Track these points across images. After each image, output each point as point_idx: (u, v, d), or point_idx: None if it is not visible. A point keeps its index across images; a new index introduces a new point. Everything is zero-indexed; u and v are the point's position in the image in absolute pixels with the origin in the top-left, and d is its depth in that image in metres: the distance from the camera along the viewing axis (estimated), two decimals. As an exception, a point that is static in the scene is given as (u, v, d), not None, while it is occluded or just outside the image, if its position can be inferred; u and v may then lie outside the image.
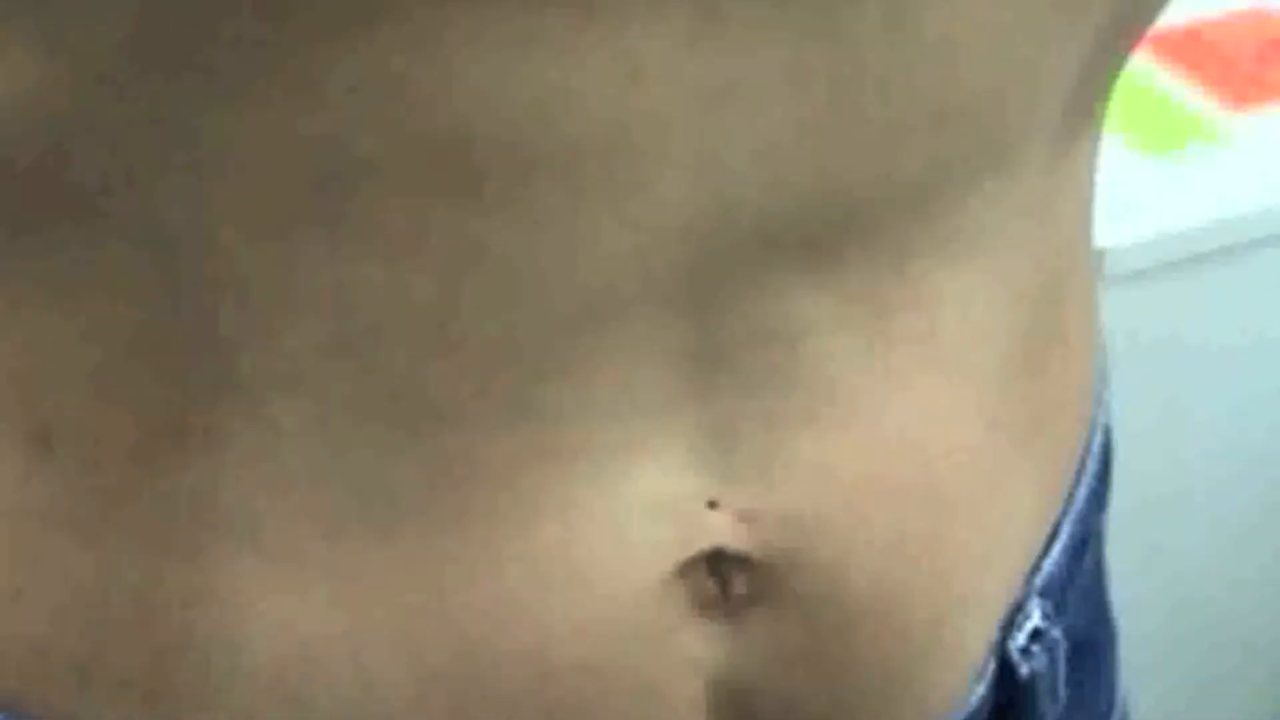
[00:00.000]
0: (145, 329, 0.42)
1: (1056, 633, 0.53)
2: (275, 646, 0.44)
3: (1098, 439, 0.56)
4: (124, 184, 0.40)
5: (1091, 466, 0.55)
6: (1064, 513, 0.53)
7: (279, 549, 0.44)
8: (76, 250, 0.41)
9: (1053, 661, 0.53)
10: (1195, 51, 1.43)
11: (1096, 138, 0.51)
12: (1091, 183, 0.52)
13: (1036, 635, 0.52)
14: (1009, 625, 0.52)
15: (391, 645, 0.44)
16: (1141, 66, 1.41)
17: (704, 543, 0.44)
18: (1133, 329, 1.32)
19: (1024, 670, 0.52)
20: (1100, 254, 1.27)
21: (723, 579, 0.45)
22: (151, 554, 0.44)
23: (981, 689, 0.51)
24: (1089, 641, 0.57)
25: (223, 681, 0.45)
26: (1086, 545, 0.55)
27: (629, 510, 0.44)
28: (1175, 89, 1.40)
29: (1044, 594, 0.53)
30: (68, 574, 0.45)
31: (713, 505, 0.44)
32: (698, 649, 0.45)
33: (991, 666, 0.52)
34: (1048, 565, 0.53)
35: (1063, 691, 0.54)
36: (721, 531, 0.44)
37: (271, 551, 0.44)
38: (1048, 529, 0.53)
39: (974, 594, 0.49)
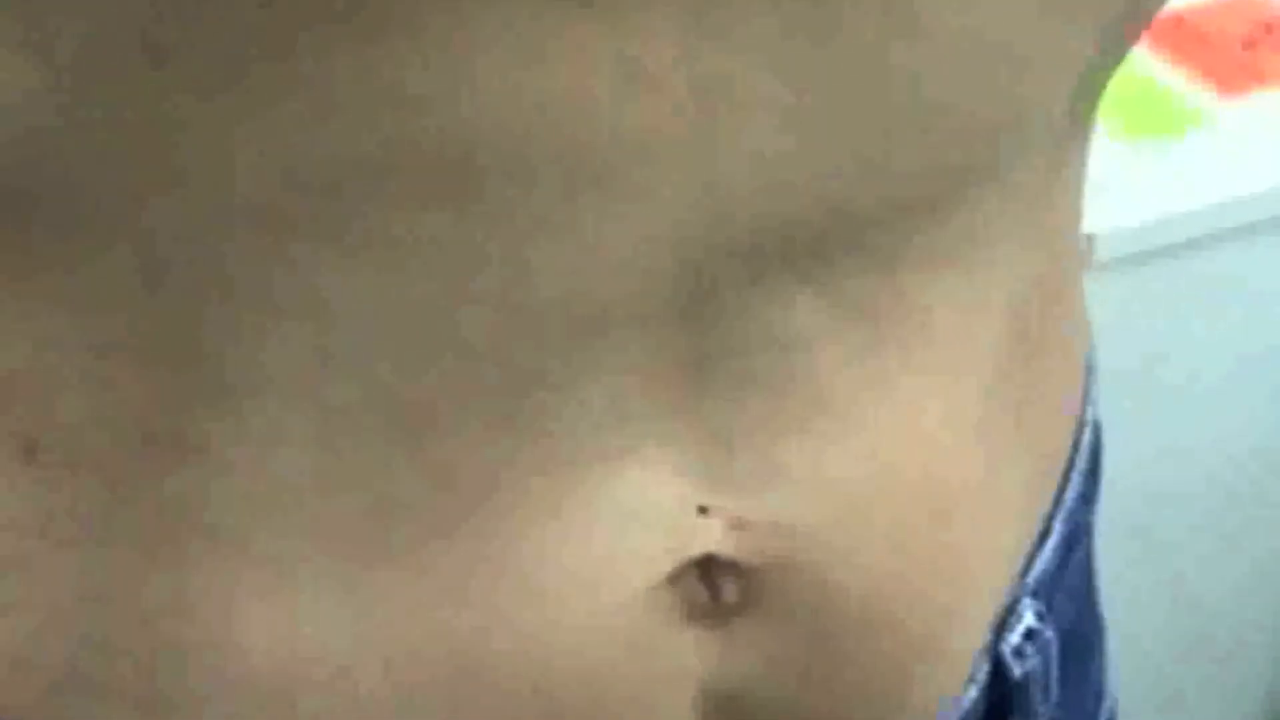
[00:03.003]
0: (133, 337, 0.42)
1: (1050, 632, 0.53)
2: (265, 657, 0.44)
3: (1086, 435, 0.55)
4: (114, 191, 0.39)
5: (1080, 464, 0.55)
6: (1054, 511, 0.53)
7: (269, 558, 0.43)
8: (63, 258, 0.41)
9: (1045, 661, 0.53)
10: (1183, 37, 1.43)
11: (1088, 139, 0.50)
12: (1082, 182, 0.51)
13: (1030, 635, 0.52)
14: (1001, 626, 0.52)
15: (382, 656, 0.44)
16: (1131, 53, 1.40)
17: (694, 549, 0.44)
18: (1122, 315, 1.31)
19: (1017, 671, 0.52)
20: (1090, 240, 1.27)
21: (713, 586, 0.45)
22: (139, 564, 0.44)
23: (974, 691, 0.51)
24: (1076, 638, 0.57)
25: (212, 692, 0.45)
26: (1077, 542, 0.55)
27: (620, 517, 0.43)
28: (1164, 75, 1.40)
29: (1036, 594, 0.52)
30: (54, 584, 0.45)
31: (703, 511, 0.44)
32: (689, 657, 0.45)
33: (985, 668, 0.51)
34: (1039, 564, 0.53)
35: (1055, 690, 0.54)
36: (712, 538, 0.44)
37: (262, 561, 0.43)
38: (1038, 528, 0.52)
39: (966, 598, 0.48)
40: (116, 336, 0.42)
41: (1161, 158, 1.33)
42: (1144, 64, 1.41)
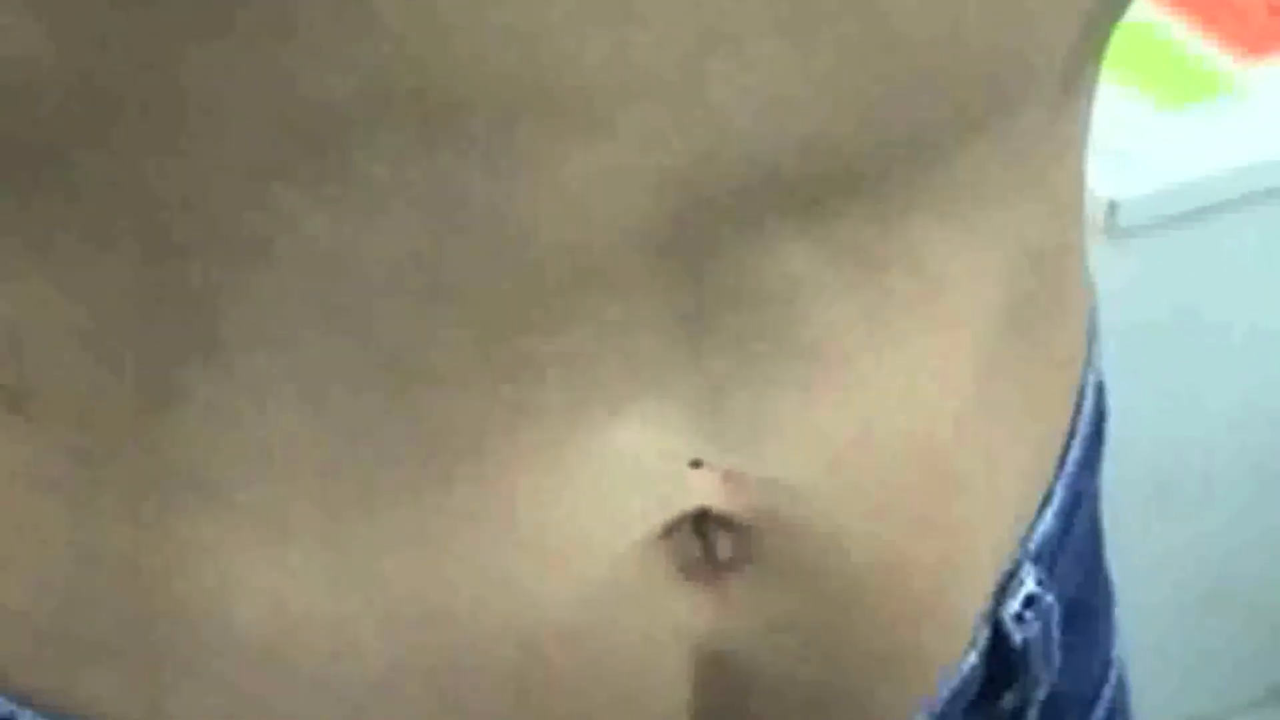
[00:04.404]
0: (124, 288, 0.41)
1: (1050, 598, 0.52)
2: (258, 613, 0.44)
3: (1089, 399, 0.55)
4: (98, 137, 0.39)
5: (1083, 428, 0.54)
6: (1056, 476, 0.53)
7: (260, 513, 0.43)
8: (52, 206, 0.41)
9: (1046, 627, 0.52)
10: (1208, 3, 1.42)
11: (1090, 98, 0.50)
12: (1085, 142, 0.51)
13: (1030, 601, 0.52)
14: (1002, 592, 0.51)
15: (371, 614, 0.44)
16: (1154, 18, 1.39)
17: (688, 503, 0.44)
18: (1145, 281, 1.31)
19: (1018, 637, 0.51)
20: (1113, 206, 1.26)
21: (707, 542, 0.44)
22: (134, 520, 0.44)
23: (974, 657, 0.51)
24: (1081, 605, 0.56)
25: (207, 651, 0.44)
26: (1079, 508, 0.55)
27: (613, 471, 0.43)
28: (1188, 40, 1.39)
29: (1037, 559, 0.52)
30: (48, 541, 0.44)
31: (696, 464, 0.44)
32: (684, 616, 0.45)
33: (985, 634, 0.51)
34: (1040, 529, 0.52)
35: (1057, 657, 0.53)
36: (706, 492, 0.44)
37: (253, 515, 0.43)
38: (1040, 493, 0.52)
39: (967, 561, 0.48)
40: (109, 288, 0.41)
41: (1185, 124, 1.32)
42: (1168, 29, 1.40)
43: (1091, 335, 0.55)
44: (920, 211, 0.43)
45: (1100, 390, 0.56)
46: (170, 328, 0.42)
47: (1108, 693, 0.60)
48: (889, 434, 0.45)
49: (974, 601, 0.49)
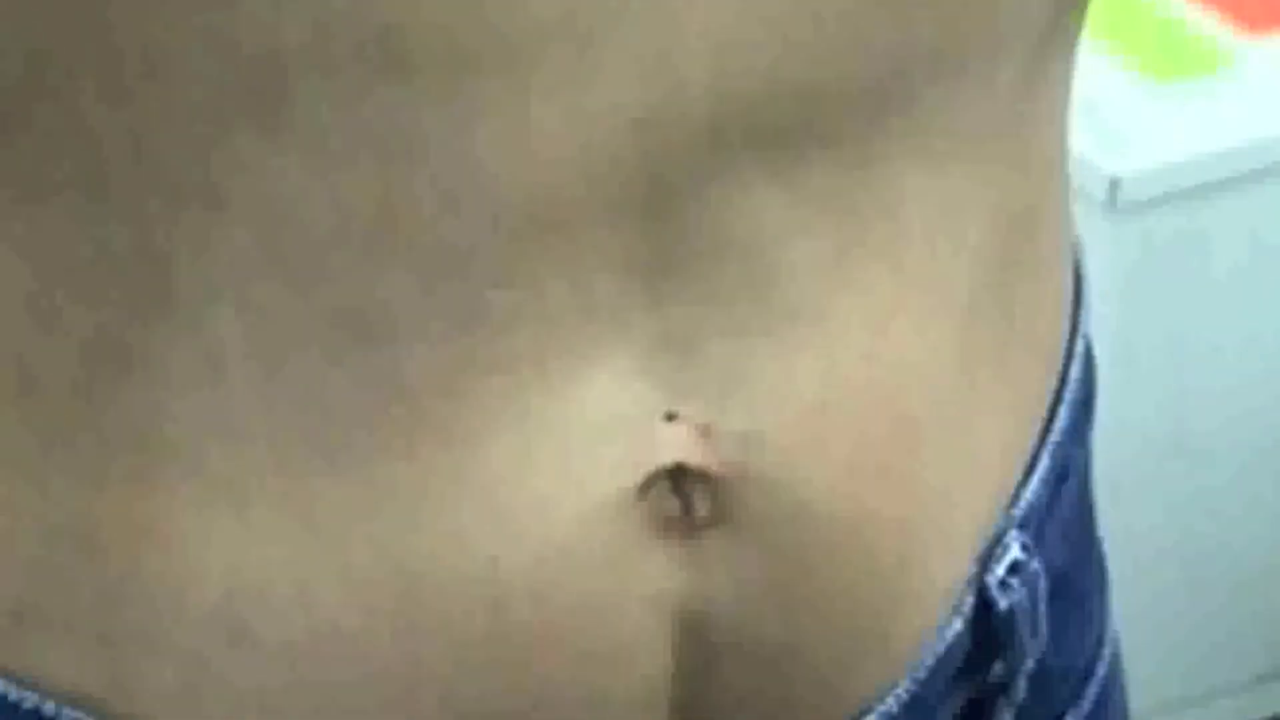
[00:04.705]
0: (76, 247, 0.41)
1: (1036, 565, 0.51)
2: (223, 581, 0.43)
3: (1076, 368, 0.54)
4: (44, 89, 0.38)
5: (1069, 396, 0.53)
6: (1041, 443, 0.52)
7: (224, 478, 0.43)
8: (2, 170, 0.40)
9: (1033, 595, 0.51)
10: (1208, -24, 1.41)
11: (1071, 59, 0.49)
12: (1067, 107, 0.50)
13: (1015, 568, 0.51)
14: (986, 558, 0.50)
15: (335, 581, 0.43)
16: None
17: (663, 458, 0.43)
18: (1146, 257, 1.31)
19: (1003, 604, 0.51)
20: (1115, 183, 1.26)
21: (684, 498, 0.43)
22: (93, 489, 0.43)
23: (958, 624, 0.50)
24: (1070, 579, 0.55)
25: (170, 623, 0.44)
26: (1066, 477, 0.54)
27: (583, 425, 0.42)
28: (1188, 15, 1.39)
29: (1022, 526, 0.51)
30: (4, 512, 0.44)
31: (670, 418, 0.43)
32: (658, 576, 0.44)
33: (969, 600, 0.50)
34: (1025, 497, 0.51)
35: (1044, 628, 0.53)
36: (680, 446, 0.43)
37: (216, 482, 0.43)
38: (1025, 460, 0.51)
39: (944, 524, 0.47)
40: (61, 248, 0.41)
41: (1187, 100, 1.32)
42: (1169, 5, 1.39)
43: (1079, 302, 0.55)
44: (891, 157, 0.43)
45: (1089, 357, 0.56)
46: (122, 287, 0.41)
47: (1101, 669, 0.59)
48: (861, 387, 0.44)
49: (953, 565, 0.49)
